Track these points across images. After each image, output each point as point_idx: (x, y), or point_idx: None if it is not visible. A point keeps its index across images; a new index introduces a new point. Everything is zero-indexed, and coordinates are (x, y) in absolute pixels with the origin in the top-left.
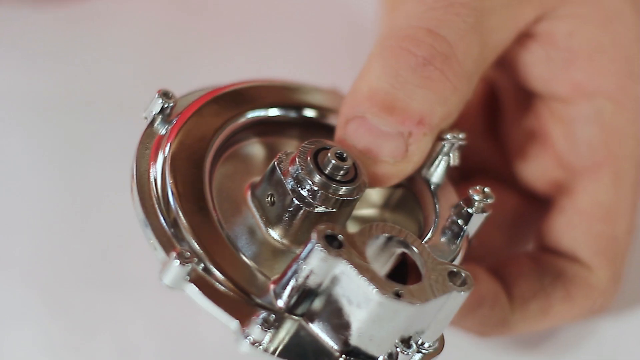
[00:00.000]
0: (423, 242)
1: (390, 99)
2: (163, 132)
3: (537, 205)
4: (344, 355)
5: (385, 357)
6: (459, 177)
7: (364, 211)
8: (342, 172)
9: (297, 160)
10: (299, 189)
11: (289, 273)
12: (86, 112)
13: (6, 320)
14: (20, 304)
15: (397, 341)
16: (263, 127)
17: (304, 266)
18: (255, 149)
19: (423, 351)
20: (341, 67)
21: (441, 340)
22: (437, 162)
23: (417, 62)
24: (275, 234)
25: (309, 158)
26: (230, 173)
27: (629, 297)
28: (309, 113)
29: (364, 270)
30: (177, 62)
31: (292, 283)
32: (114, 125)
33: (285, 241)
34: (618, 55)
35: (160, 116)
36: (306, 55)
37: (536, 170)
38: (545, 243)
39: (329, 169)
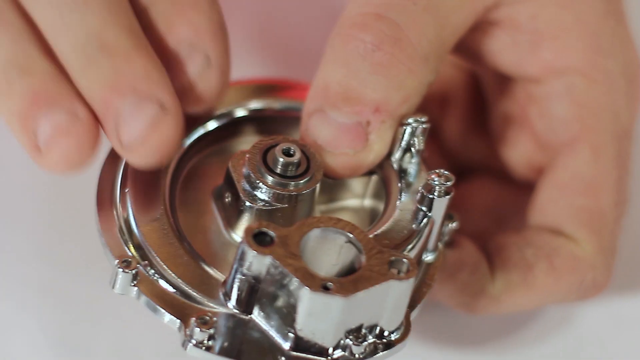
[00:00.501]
0: (369, 230)
1: (344, 89)
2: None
3: (521, 192)
4: (292, 351)
5: (335, 349)
6: (456, 176)
7: (348, 202)
8: (291, 168)
9: (247, 160)
10: (252, 189)
11: (232, 273)
12: None
13: (6, 320)
14: (17, 301)
15: (345, 333)
16: (219, 133)
17: (240, 265)
18: (217, 155)
19: (385, 340)
20: None
21: (406, 326)
22: (402, 147)
23: (365, 48)
24: (236, 235)
25: (258, 158)
26: (195, 180)
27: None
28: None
29: (293, 265)
30: None
31: (235, 282)
32: None
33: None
34: (584, 32)
35: None
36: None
37: (519, 155)
38: (530, 223)
39: (279, 166)
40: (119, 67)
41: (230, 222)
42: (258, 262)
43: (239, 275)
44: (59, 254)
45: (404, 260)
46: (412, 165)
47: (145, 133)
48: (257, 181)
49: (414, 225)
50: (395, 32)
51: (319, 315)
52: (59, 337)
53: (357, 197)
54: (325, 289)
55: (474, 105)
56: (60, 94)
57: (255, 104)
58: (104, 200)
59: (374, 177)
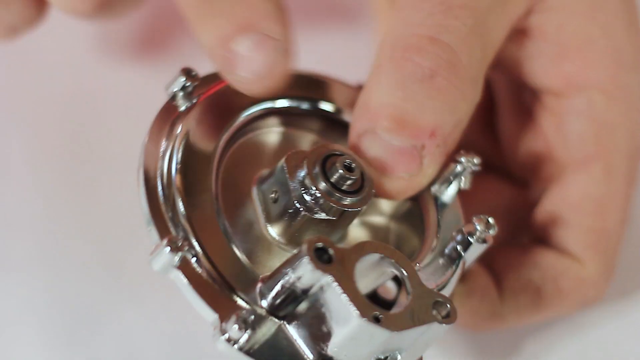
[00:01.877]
0: (416, 264)
1: (400, 112)
2: (182, 109)
3: (530, 195)
4: None
5: None
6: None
7: (372, 218)
8: (348, 183)
9: (304, 163)
10: (303, 192)
11: (277, 276)
12: (87, 111)
13: (6, 320)
14: (21, 304)
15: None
16: (283, 117)
17: (292, 274)
18: (271, 138)
19: None
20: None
21: None
22: (448, 182)
23: (423, 73)
24: (273, 231)
25: (317, 163)
26: (242, 161)
27: (620, 289)
28: (327, 107)
29: (349, 289)
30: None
31: (278, 286)
32: (115, 123)
33: (282, 240)
34: (607, 46)
35: (182, 93)
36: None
37: (528, 163)
38: (536, 236)
39: (335, 177)
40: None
41: (270, 217)
42: (312, 277)
43: (284, 282)
44: (60, 255)
45: (447, 305)
46: (447, 198)
47: (264, 69)
48: (312, 187)
49: (441, 261)
50: (450, 56)
51: (359, 342)
52: (60, 339)
53: (383, 216)
54: (376, 320)
55: (482, 105)
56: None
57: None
58: (150, 177)
59: (408, 202)
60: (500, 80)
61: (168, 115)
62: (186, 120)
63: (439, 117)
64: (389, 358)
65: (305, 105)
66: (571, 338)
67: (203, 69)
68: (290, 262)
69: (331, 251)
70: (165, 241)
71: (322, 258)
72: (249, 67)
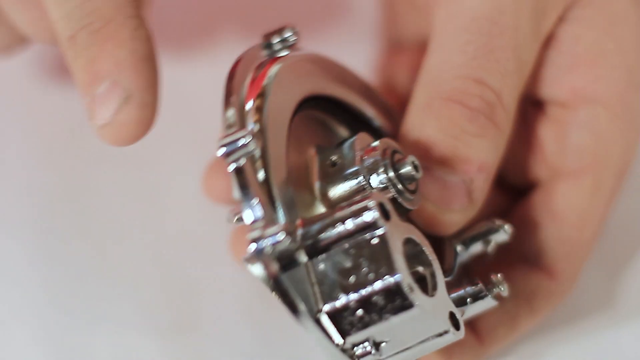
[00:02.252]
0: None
1: (452, 150)
2: (280, 54)
3: (510, 198)
4: (324, 314)
5: (348, 344)
6: None
7: None
8: (410, 180)
9: (380, 147)
10: (369, 171)
11: (327, 219)
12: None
13: (3, 319)
14: (18, 303)
15: (370, 338)
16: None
17: (347, 219)
18: (332, 125)
19: None
20: None
21: None
22: (474, 240)
23: (471, 114)
24: (321, 190)
25: (388, 153)
26: (305, 125)
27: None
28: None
29: (397, 250)
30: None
31: (323, 228)
32: None
33: (325, 200)
34: (620, 63)
35: (281, 44)
36: None
37: (518, 166)
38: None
39: (402, 171)
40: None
41: (323, 176)
42: (368, 225)
43: (336, 224)
44: (56, 254)
45: (461, 322)
46: (466, 254)
47: (112, 117)
48: (381, 168)
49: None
50: (493, 97)
51: (383, 307)
52: (57, 337)
53: None
54: (411, 289)
55: None
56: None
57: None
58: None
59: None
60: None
61: (256, 58)
62: (280, 64)
63: (485, 153)
64: (382, 347)
65: (375, 123)
66: (570, 338)
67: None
68: (350, 208)
69: (390, 212)
70: (244, 132)
71: (383, 213)
72: (99, 113)
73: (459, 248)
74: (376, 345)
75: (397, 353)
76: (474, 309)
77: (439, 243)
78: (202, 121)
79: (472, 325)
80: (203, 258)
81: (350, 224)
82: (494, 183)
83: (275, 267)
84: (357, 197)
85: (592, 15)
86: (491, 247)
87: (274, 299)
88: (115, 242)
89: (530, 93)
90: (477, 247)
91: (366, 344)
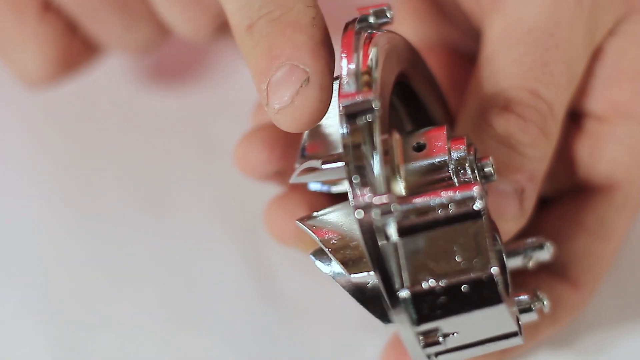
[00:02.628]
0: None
1: (506, 159)
2: (374, 30)
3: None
4: (404, 293)
5: (422, 329)
6: None
7: None
8: (488, 181)
9: (466, 142)
10: (458, 165)
11: (428, 199)
12: (86, 112)
13: (6, 320)
14: (19, 303)
15: (440, 328)
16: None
17: (449, 202)
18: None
19: None
20: None
21: None
22: (516, 254)
23: (525, 125)
24: (403, 171)
25: (474, 150)
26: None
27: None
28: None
29: (492, 244)
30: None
31: (423, 208)
32: (114, 123)
33: (406, 182)
34: None
35: (376, 20)
36: None
37: (550, 179)
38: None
39: (485, 170)
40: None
41: (406, 158)
42: (471, 204)
43: (437, 204)
44: (57, 254)
45: (522, 326)
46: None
47: (288, 100)
48: (467, 164)
49: None
50: (546, 109)
51: (467, 298)
52: (57, 337)
53: None
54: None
55: None
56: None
57: None
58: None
59: None
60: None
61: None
62: (383, 37)
63: (535, 163)
64: (449, 339)
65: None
66: (567, 339)
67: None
68: (457, 194)
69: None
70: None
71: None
72: (276, 97)
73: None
74: (444, 336)
75: (461, 348)
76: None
77: None
78: (202, 121)
79: None
80: (203, 257)
81: (452, 209)
82: None
83: (391, 232)
84: (450, 184)
85: (639, 31)
86: (532, 264)
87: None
88: (115, 241)
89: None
90: (517, 262)
91: (437, 332)
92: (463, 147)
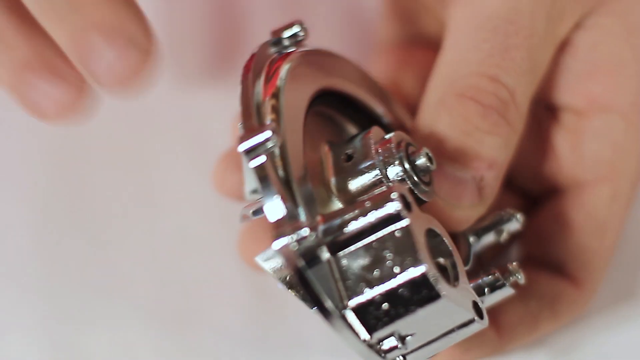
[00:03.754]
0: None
1: (463, 146)
2: (289, 50)
3: (529, 205)
4: (349, 310)
5: (374, 340)
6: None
7: None
8: (425, 172)
9: (395, 140)
10: (385, 164)
11: (349, 213)
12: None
13: (3, 319)
14: (18, 301)
15: (396, 332)
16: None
17: (368, 213)
18: (342, 121)
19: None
20: None
21: None
22: (487, 230)
23: (484, 111)
24: (336, 185)
25: (402, 145)
26: (316, 122)
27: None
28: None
29: (421, 240)
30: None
31: (345, 223)
32: (113, 123)
33: (341, 195)
34: (636, 72)
35: (290, 40)
36: None
37: (536, 178)
38: (531, 248)
39: (417, 163)
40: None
41: (337, 172)
42: (391, 218)
43: (357, 217)
44: (55, 254)
45: (484, 311)
46: (479, 246)
47: (114, 65)
48: (396, 161)
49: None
50: (507, 95)
51: (408, 300)
52: (54, 337)
53: None
54: (436, 280)
55: None
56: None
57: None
58: (248, 80)
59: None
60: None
61: (267, 55)
62: (292, 60)
63: (496, 151)
64: (408, 340)
65: (385, 120)
66: (565, 339)
67: None
68: (371, 202)
69: (411, 204)
70: (267, 129)
71: (406, 205)
72: (103, 60)
73: (471, 239)
74: (402, 339)
75: (423, 345)
76: (492, 299)
77: (452, 236)
78: (201, 121)
79: (494, 319)
80: (200, 257)
81: (372, 217)
82: (515, 191)
83: (301, 263)
84: (377, 191)
85: (611, 24)
86: (504, 237)
87: (292, 297)
88: (113, 241)
89: (545, 99)
90: (489, 238)
91: (392, 338)
92: (391, 145)
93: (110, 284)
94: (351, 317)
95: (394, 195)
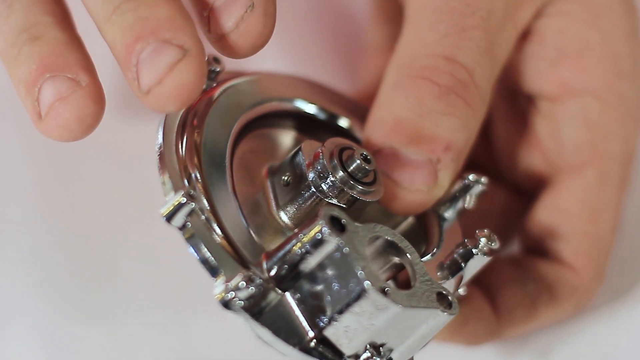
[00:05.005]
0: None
1: (418, 128)
2: (204, 88)
3: (524, 200)
4: (314, 341)
5: (352, 357)
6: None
7: None
8: (364, 173)
9: (322, 151)
10: (320, 179)
11: (286, 247)
12: None
13: (1, 318)
14: (17, 300)
15: (368, 344)
16: (298, 122)
17: (303, 242)
18: (283, 138)
19: None
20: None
21: None
22: (454, 199)
23: (440, 91)
24: (282, 214)
25: (335, 151)
26: (255, 149)
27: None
28: (342, 123)
29: (359, 258)
30: None
31: (285, 257)
32: (112, 123)
33: (289, 223)
34: (606, 53)
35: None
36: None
37: (522, 168)
38: (528, 242)
39: (352, 167)
40: (141, 13)
41: (281, 201)
42: (323, 243)
43: (294, 249)
44: (54, 253)
45: (450, 297)
46: (450, 215)
47: (163, 76)
48: (329, 172)
49: (440, 274)
50: (464, 75)
51: (363, 315)
52: (52, 337)
53: None
54: (384, 292)
55: None
56: (66, 62)
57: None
58: (169, 136)
59: (409, 220)
60: (495, 85)
61: None
62: (208, 99)
63: (454, 132)
64: (382, 348)
65: (321, 116)
66: (565, 339)
67: None
68: (303, 231)
69: (344, 221)
70: (181, 192)
71: (336, 227)
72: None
73: (446, 214)
74: (376, 348)
75: (402, 347)
76: (470, 270)
77: (423, 213)
78: None
79: (492, 299)
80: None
81: (307, 246)
82: (508, 187)
83: (246, 316)
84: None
85: (575, 9)
86: (469, 202)
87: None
88: (112, 241)
89: (520, 89)
90: (457, 206)
91: (367, 352)
92: (321, 158)
93: (110, 284)
94: (319, 347)
95: (320, 221)
